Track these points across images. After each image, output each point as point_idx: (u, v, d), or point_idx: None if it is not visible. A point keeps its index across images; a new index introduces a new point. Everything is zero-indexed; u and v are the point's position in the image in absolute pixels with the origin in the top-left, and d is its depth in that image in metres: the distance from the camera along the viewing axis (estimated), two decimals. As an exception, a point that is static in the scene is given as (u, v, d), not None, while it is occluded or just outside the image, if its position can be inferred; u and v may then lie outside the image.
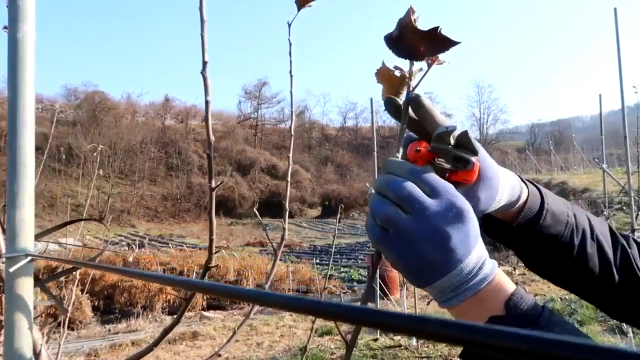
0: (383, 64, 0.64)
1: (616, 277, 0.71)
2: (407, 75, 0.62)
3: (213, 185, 0.86)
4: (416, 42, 0.59)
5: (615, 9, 5.35)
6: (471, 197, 0.60)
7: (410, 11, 0.58)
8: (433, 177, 0.55)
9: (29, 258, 0.77)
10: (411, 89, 0.62)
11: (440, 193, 0.53)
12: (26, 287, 0.78)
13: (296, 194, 52.52)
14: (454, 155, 0.58)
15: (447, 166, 0.60)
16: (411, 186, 0.53)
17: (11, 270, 0.76)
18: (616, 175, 6.82)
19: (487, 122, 77.93)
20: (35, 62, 0.82)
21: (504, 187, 0.65)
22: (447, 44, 0.58)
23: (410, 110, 0.62)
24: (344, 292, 13.92)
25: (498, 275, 0.54)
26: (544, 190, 0.73)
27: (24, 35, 0.82)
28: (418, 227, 0.51)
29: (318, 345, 7.01)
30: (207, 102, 0.81)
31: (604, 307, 0.75)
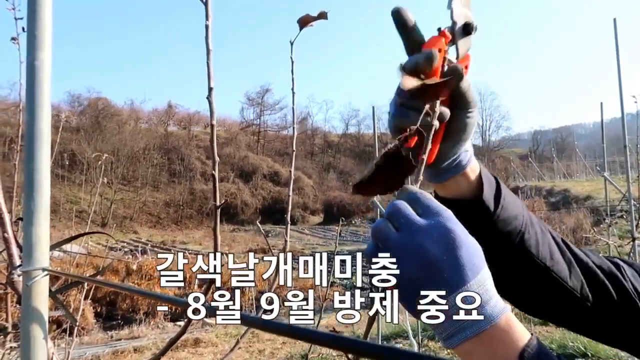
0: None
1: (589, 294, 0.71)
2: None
3: (218, 203, 0.90)
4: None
5: (614, 20, 5.39)
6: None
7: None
8: (428, 199, 0.54)
9: (45, 272, 0.82)
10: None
11: (431, 213, 0.52)
12: (42, 300, 0.83)
13: (298, 201, 52.49)
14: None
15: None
16: (402, 204, 0.53)
17: (28, 284, 0.81)
18: (618, 183, 6.83)
19: (489, 129, 77.80)
20: (50, 88, 0.88)
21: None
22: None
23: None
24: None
25: (509, 318, 0.50)
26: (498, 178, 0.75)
27: (41, 63, 0.87)
28: (402, 242, 0.50)
29: (319, 355, 7.02)
30: (212, 126, 0.86)
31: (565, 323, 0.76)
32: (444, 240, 0.49)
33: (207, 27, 0.84)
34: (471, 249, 0.50)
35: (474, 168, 0.71)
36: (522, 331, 0.49)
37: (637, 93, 6.38)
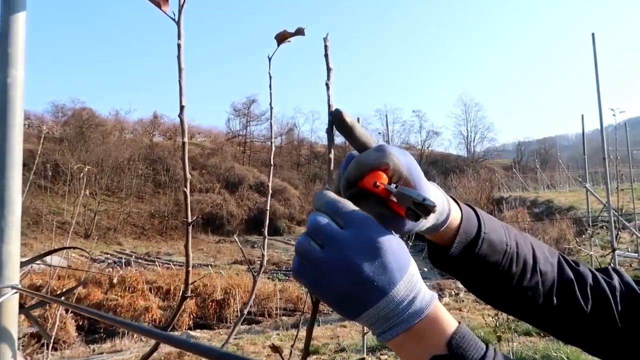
0: None
1: (554, 301, 0.72)
2: None
3: (189, 220, 0.91)
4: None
5: (593, 35, 5.52)
6: (397, 221, 0.60)
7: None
8: (349, 208, 0.55)
9: (14, 291, 0.82)
10: None
11: (355, 224, 0.53)
12: (11, 319, 0.82)
13: (284, 211, 52.38)
14: (414, 202, 0.55)
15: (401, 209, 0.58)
16: (322, 219, 0.54)
17: (-3, 302, 0.80)
18: (600, 194, 6.95)
19: (474, 140, 78.66)
20: (23, 104, 0.88)
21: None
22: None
23: (355, 129, 0.64)
24: (331, 311, 13.90)
25: (437, 310, 0.52)
26: (483, 216, 0.73)
27: (13, 80, 0.87)
28: (329, 259, 0.51)
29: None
30: (184, 144, 0.86)
31: (541, 327, 0.76)
32: (370, 251, 0.51)
33: (179, 46, 0.85)
34: (397, 252, 0.52)
35: (454, 219, 0.70)
36: (449, 320, 0.53)
37: (616, 106, 6.54)
